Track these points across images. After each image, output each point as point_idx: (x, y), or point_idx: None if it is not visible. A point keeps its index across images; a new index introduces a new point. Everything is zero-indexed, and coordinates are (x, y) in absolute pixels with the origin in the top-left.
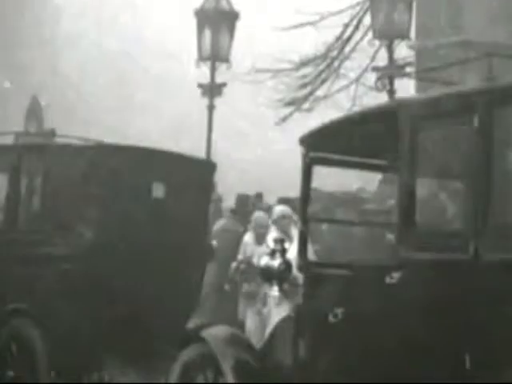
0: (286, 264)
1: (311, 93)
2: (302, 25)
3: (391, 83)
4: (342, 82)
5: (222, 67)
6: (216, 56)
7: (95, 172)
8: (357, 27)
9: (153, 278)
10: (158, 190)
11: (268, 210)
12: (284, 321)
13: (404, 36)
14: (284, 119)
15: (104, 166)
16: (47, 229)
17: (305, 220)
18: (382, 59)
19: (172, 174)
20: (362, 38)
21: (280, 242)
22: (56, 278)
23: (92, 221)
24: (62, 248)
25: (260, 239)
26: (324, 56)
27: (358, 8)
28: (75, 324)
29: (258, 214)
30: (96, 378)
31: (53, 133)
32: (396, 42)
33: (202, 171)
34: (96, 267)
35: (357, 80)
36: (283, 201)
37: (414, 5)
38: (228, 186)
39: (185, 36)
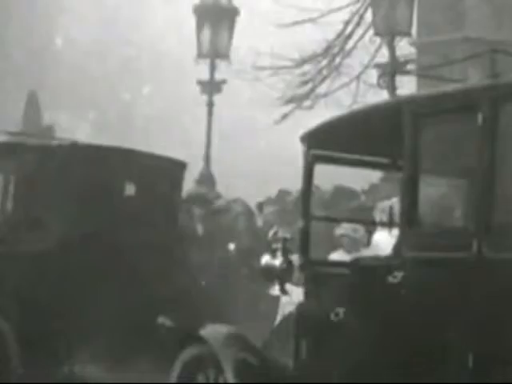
0: (288, 263)
1: (312, 90)
2: (302, 21)
3: (392, 80)
4: (343, 80)
5: (221, 64)
6: (215, 53)
7: (67, 171)
8: (358, 24)
9: (123, 275)
10: (130, 189)
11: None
12: (285, 320)
13: (405, 33)
14: (284, 117)
15: (76, 166)
16: (21, 226)
17: (306, 218)
18: (384, 56)
19: (143, 173)
20: (363, 35)
21: (282, 240)
22: (27, 273)
23: (64, 218)
24: (34, 245)
25: None
26: (325, 53)
27: (358, 4)
28: (45, 318)
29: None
30: (67, 372)
31: (50, 130)
32: (397, 38)
33: (173, 170)
34: (67, 263)
35: (358, 77)
36: (283, 193)
37: (416, 1)
38: (227, 183)
39: (184, 32)
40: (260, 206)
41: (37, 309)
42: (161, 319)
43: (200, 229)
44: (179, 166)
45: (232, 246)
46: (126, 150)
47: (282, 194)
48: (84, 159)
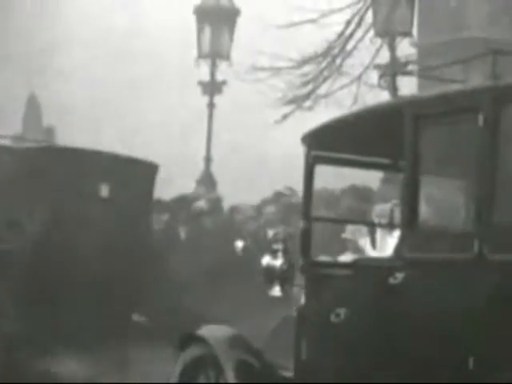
0: (288, 264)
1: (313, 91)
2: (303, 22)
3: (393, 81)
4: (344, 80)
5: (222, 65)
6: (216, 53)
7: (42, 172)
8: (359, 24)
9: (97, 274)
10: (104, 190)
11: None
12: (286, 321)
13: (406, 33)
14: (285, 117)
15: (51, 167)
16: None
17: (308, 219)
18: (384, 57)
19: (117, 175)
20: (363, 36)
21: (282, 241)
22: (3, 271)
23: (38, 219)
24: (9, 244)
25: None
26: (325, 54)
27: (359, 5)
28: (21, 315)
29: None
30: (43, 368)
31: (51, 132)
32: (398, 39)
33: (146, 172)
34: (41, 263)
35: (358, 78)
36: (278, 194)
37: (416, 2)
38: (228, 184)
39: (185, 33)
40: (258, 208)
41: (11, 306)
42: (135, 316)
43: (183, 232)
44: (152, 168)
45: (240, 244)
46: (99, 152)
47: (278, 195)
48: (58, 161)
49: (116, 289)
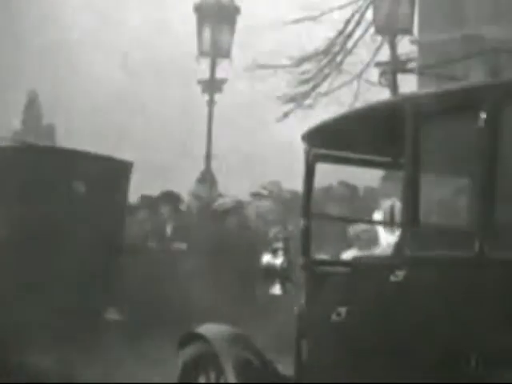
0: (289, 262)
1: (313, 88)
2: (303, 19)
3: (394, 79)
4: (344, 78)
5: (222, 63)
6: (216, 51)
7: (14, 172)
8: (359, 22)
9: (70, 271)
10: (78, 188)
11: None
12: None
13: (407, 31)
14: (286, 115)
15: (23, 166)
16: None
17: (308, 217)
18: (385, 55)
19: (91, 173)
20: (364, 34)
21: (282, 240)
22: None
23: (10, 218)
24: None
25: None
26: (326, 51)
27: (360, 2)
28: None
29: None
30: (18, 363)
31: (51, 129)
32: (399, 37)
33: (119, 170)
34: (13, 260)
35: (359, 76)
36: (254, 195)
37: None
38: (228, 182)
39: (185, 31)
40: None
41: None
42: (109, 314)
43: (169, 228)
44: (125, 166)
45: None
46: (71, 151)
47: (255, 196)
48: (30, 160)
49: (88, 285)
